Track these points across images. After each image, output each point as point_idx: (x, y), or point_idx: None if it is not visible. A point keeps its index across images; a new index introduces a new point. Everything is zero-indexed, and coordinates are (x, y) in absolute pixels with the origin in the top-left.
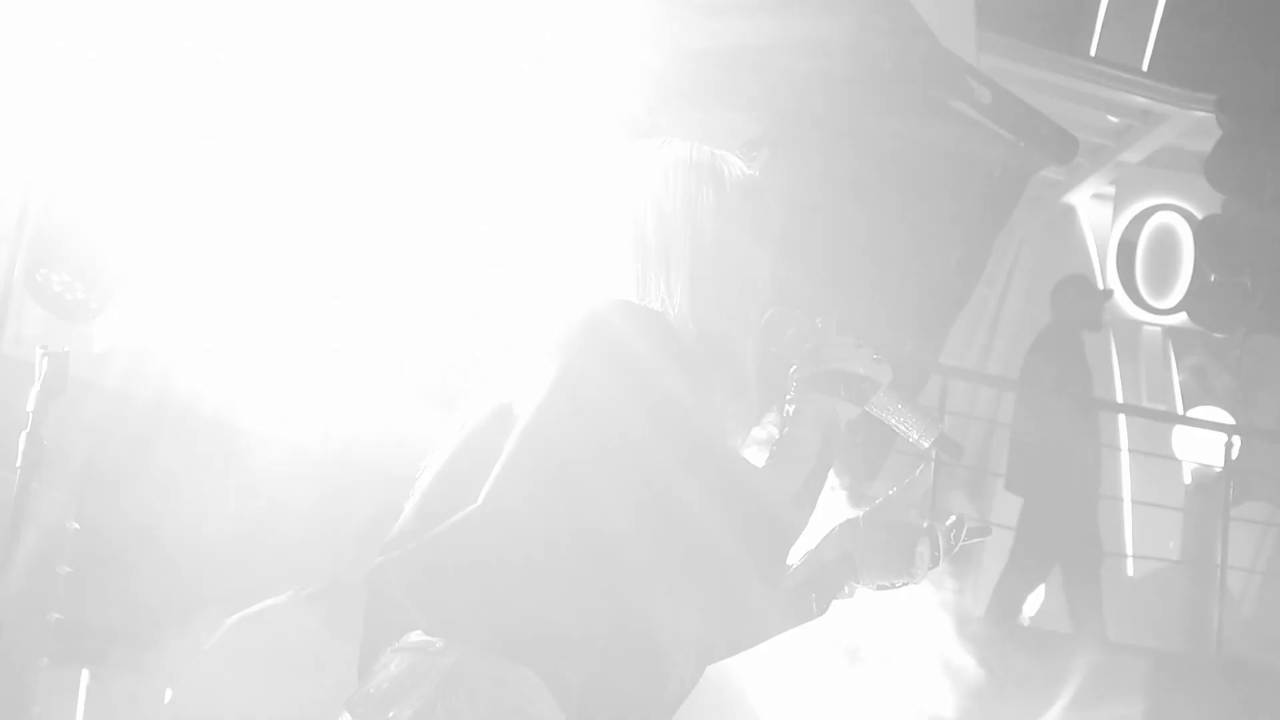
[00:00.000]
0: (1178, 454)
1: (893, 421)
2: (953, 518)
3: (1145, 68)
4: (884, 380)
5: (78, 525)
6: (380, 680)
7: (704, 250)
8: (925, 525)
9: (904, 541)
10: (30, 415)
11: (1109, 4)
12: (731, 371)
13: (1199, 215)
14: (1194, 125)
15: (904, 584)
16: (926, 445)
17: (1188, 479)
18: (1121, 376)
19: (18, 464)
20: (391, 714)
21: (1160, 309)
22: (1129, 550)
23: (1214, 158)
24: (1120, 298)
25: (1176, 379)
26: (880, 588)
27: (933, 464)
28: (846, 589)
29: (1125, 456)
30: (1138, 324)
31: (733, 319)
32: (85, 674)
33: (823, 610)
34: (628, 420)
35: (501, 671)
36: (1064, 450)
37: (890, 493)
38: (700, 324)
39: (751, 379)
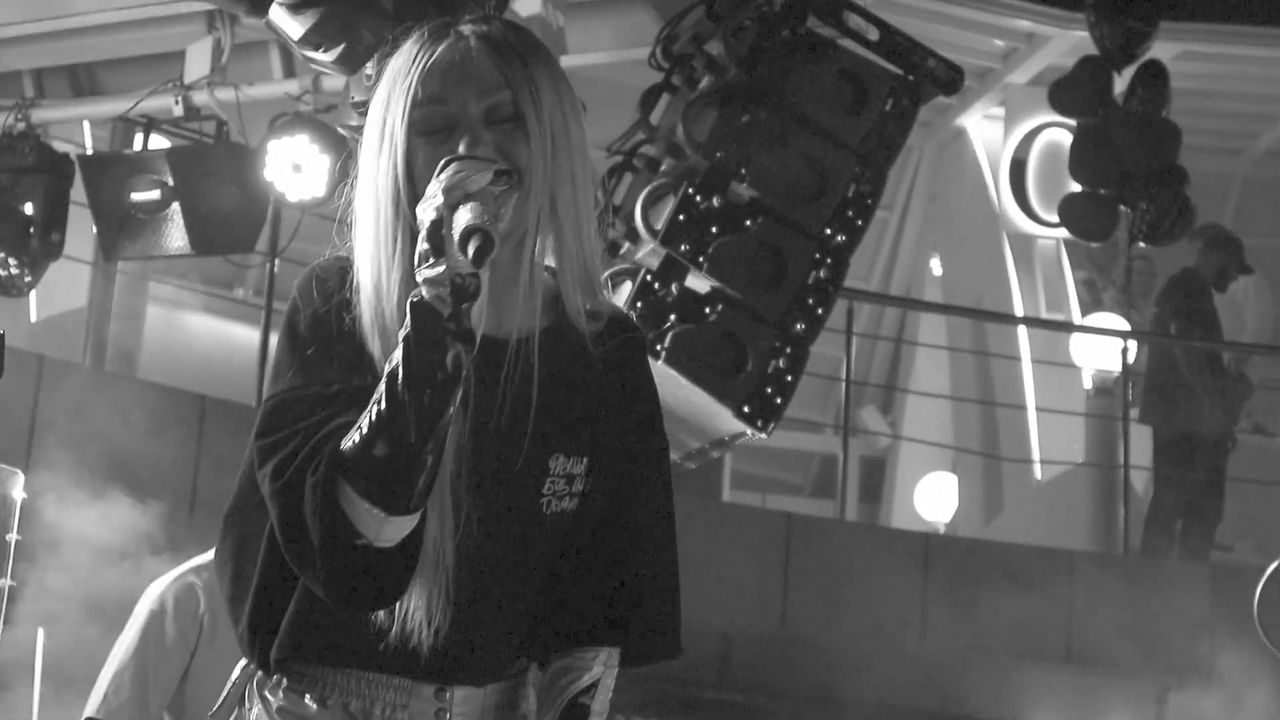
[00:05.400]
0: (1077, 361)
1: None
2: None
3: None
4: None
5: (25, 495)
6: None
7: None
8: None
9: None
10: None
11: None
12: None
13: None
14: (1076, 45)
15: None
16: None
17: (1088, 384)
18: (1020, 289)
19: None
20: None
21: (1052, 222)
22: (1035, 456)
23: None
24: (1014, 212)
25: (1072, 289)
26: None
27: None
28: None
29: (1027, 366)
30: (1032, 237)
31: None
32: (40, 633)
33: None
34: None
35: None
36: (1190, 391)
37: None
38: None
39: None
